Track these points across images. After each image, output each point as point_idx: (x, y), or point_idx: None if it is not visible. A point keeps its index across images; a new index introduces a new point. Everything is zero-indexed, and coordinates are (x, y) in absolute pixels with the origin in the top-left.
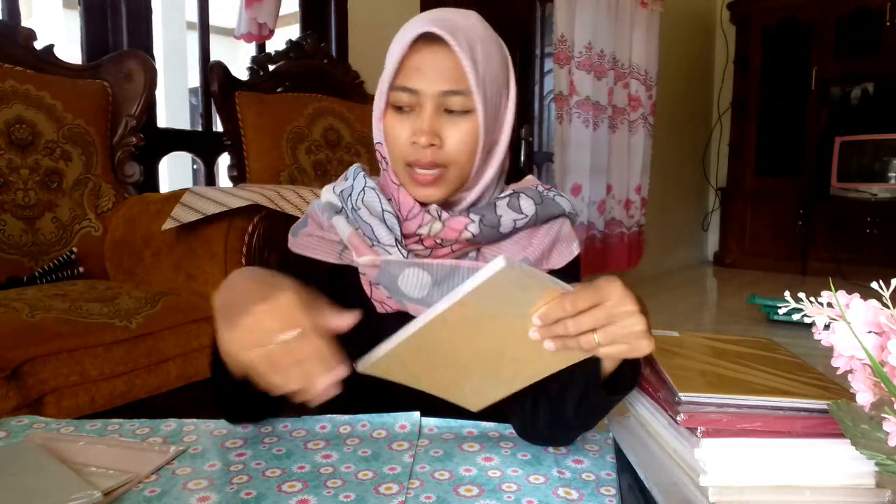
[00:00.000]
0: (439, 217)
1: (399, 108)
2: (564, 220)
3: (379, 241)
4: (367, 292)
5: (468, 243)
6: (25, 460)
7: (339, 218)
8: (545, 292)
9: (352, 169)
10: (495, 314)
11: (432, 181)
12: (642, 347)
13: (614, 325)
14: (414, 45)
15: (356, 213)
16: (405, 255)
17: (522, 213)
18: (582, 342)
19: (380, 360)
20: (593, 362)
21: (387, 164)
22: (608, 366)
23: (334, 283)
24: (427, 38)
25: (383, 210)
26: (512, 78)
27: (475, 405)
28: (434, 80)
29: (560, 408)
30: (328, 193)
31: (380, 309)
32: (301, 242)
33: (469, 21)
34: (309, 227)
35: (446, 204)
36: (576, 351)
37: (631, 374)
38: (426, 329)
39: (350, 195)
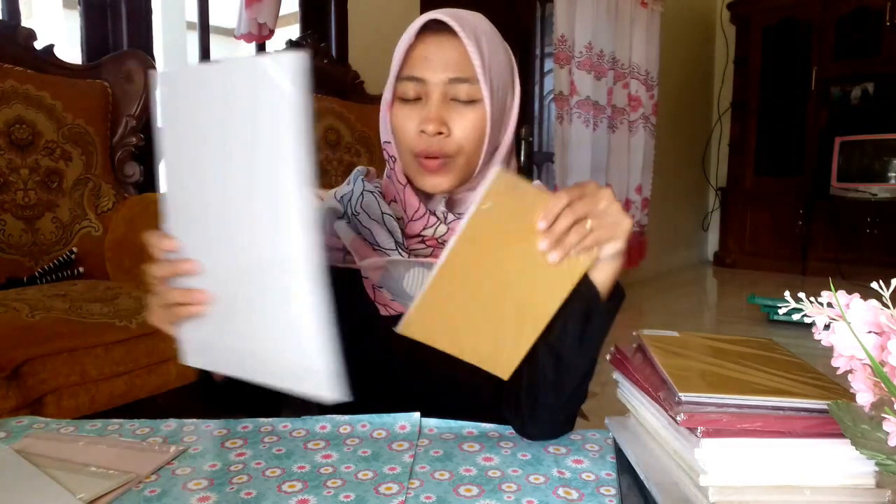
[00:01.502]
0: (444, 219)
1: (406, 100)
2: None
3: (380, 245)
4: (371, 296)
5: None
6: (3, 469)
7: (340, 223)
8: (539, 200)
9: (353, 173)
10: (503, 236)
11: (440, 168)
12: (623, 223)
13: (598, 209)
14: (420, 37)
15: (356, 217)
16: (406, 258)
17: None
18: (580, 229)
19: (413, 316)
20: (586, 293)
21: (394, 162)
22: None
23: (339, 289)
24: (432, 29)
25: (382, 213)
26: (517, 82)
27: (507, 368)
28: (440, 68)
29: (562, 352)
30: (331, 199)
31: (384, 312)
32: None
33: (476, 18)
34: None
35: (450, 202)
36: (579, 259)
37: (618, 290)
38: (447, 267)
39: (350, 200)
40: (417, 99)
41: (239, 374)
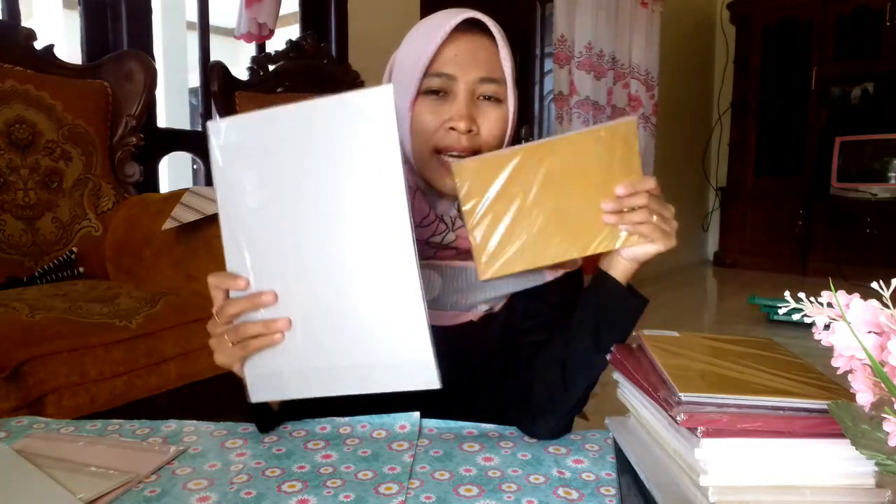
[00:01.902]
0: (452, 227)
1: (431, 95)
2: None
3: None
4: None
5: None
6: (4, 469)
7: None
8: (633, 167)
9: None
10: (581, 168)
11: None
12: (673, 239)
13: (664, 213)
14: (450, 35)
15: None
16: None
17: None
18: (645, 213)
19: (473, 161)
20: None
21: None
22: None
23: None
24: (463, 29)
25: None
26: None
27: (489, 271)
28: (472, 66)
29: (573, 359)
30: None
31: None
32: None
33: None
34: None
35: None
36: (619, 233)
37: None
38: (524, 155)
39: None
40: (443, 94)
41: (317, 393)
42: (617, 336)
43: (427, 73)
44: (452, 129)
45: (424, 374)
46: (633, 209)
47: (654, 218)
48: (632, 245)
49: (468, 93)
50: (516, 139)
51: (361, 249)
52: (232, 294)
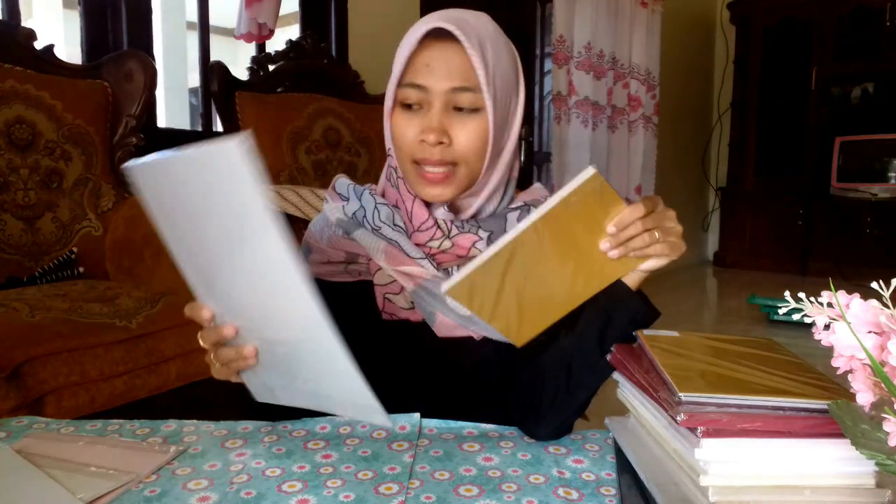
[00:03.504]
0: (448, 234)
1: (407, 106)
2: None
3: (410, 256)
4: (380, 304)
5: None
6: (4, 469)
7: (363, 232)
8: (615, 205)
9: (343, 187)
10: (570, 229)
11: (442, 179)
12: (681, 245)
13: (666, 225)
14: (423, 42)
15: (377, 232)
16: (436, 268)
17: None
18: (646, 237)
19: (461, 282)
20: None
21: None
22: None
23: (346, 298)
24: (436, 35)
25: (395, 224)
26: (521, 82)
27: (523, 339)
28: (443, 76)
29: (576, 362)
30: (338, 213)
31: (386, 317)
32: (316, 272)
33: (480, 20)
34: (314, 256)
35: (452, 207)
36: (630, 259)
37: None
38: (508, 248)
39: (364, 216)
40: (419, 106)
41: (307, 406)
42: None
43: (401, 83)
44: (425, 141)
45: (376, 416)
46: (630, 238)
47: (657, 234)
48: (644, 264)
49: (442, 104)
50: (517, 139)
51: (275, 303)
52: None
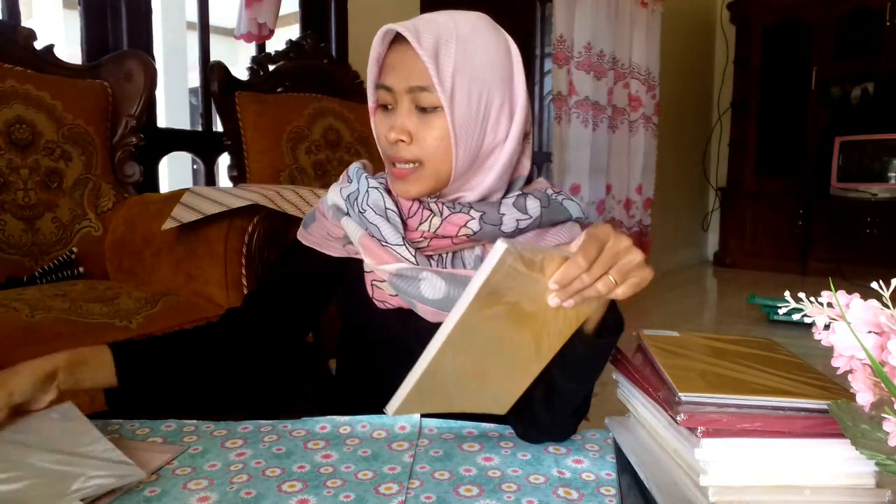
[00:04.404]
0: (440, 212)
1: (383, 106)
2: (574, 224)
3: (387, 241)
4: (369, 292)
5: (468, 239)
6: (72, 431)
7: (347, 220)
8: (551, 261)
9: (353, 170)
10: (506, 301)
11: (407, 175)
12: (646, 276)
13: (620, 263)
14: (391, 45)
15: (362, 215)
16: (412, 253)
17: (527, 213)
18: (600, 287)
19: (404, 399)
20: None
21: None
22: (593, 319)
23: (338, 275)
24: (401, 37)
25: (386, 208)
26: (517, 79)
27: (504, 407)
28: (403, 76)
29: (557, 383)
30: (335, 195)
31: (381, 307)
32: (311, 236)
33: (454, 21)
34: (318, 222)
35: (439, 196)
36: (591, 302)
37: (614, 320)
38: (442, 350)
39: (357, 199)
40: (392, 106)
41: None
42: (582, 375)
43: (376, 85)
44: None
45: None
46: (579, 291)
47: (611, 278)
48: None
49: (407, 103)
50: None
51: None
52: None
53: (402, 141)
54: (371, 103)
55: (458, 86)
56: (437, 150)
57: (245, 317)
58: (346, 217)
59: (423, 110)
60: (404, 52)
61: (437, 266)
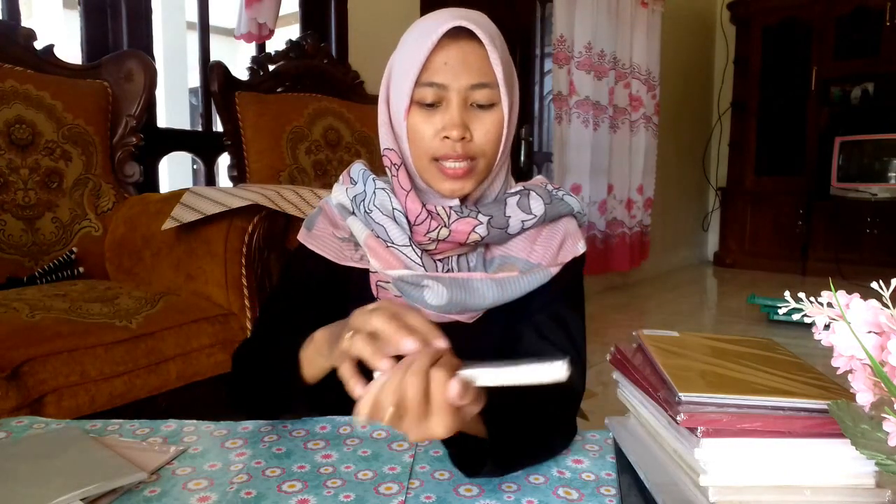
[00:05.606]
0: (447, 222)
1: (424, 105)
2: (570, 218)
3: (393, 242)
4: (374, 292)
5: (475, 244)
6: (71, 444)
7: (354, 219)
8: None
9: (357, 171)
10: None
11: (464, 174)
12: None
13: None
14: (438, 42)
15: (369, 216)
16: (419, 255)
17: (532, 213)
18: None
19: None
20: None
21: (397, 169)
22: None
23: (339, 279)
24: (450, 35)
25: (393, 208)
26: (516, 79)
27: None
28: (461, 74)
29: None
30: (341, 195)
31: None
32: (314, 238)
33: (485, 19)
34: (321, 223)
35: (463, 198)
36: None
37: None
38: None
39: (363, 200)
40: (436, 104)
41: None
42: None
43: (419, 82)
44: (447, 137)
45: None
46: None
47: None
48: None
49: (461, 100)
50: (517, 139)
51: None
52: None
53: (465, 138)
54: (404, 102)
55: (510, 83)
56: (492, 145)
57: (277, 332)
58: (352, 216)
59: (479, 107)
60: (461, 49)
61: (443, 267)
